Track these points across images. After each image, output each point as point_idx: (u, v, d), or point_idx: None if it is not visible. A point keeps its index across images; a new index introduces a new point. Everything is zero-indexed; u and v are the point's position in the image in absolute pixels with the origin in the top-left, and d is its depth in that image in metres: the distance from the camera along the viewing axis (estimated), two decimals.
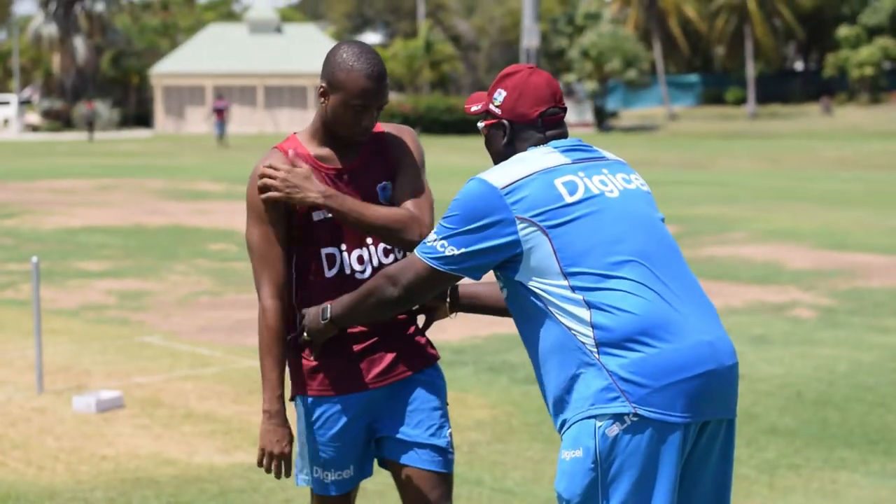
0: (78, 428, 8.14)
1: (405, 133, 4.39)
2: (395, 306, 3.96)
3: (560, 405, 3.76)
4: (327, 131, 4.25)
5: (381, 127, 4.38)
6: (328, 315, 4.11)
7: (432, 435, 4.28)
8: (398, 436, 4.28)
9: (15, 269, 15.78)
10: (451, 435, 4.33)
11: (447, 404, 4.40)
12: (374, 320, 4.17)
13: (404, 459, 4.28)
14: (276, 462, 4.17)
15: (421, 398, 4.31)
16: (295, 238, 4.23)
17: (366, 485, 6.80)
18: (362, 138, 4.22)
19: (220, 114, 54.81)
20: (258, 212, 4.20)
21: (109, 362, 10.20)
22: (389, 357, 4.27)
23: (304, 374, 4.29)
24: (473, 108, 4.05)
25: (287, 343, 4.26)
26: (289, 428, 4.18)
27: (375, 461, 4.41)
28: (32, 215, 22.67)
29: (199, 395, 9.07)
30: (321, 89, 4.20)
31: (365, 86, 4.11)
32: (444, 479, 4.29)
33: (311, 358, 4.25)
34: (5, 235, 19.65)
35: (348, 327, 4.18)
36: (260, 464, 4.20)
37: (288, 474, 4.20)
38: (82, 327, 11.88)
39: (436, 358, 4.39)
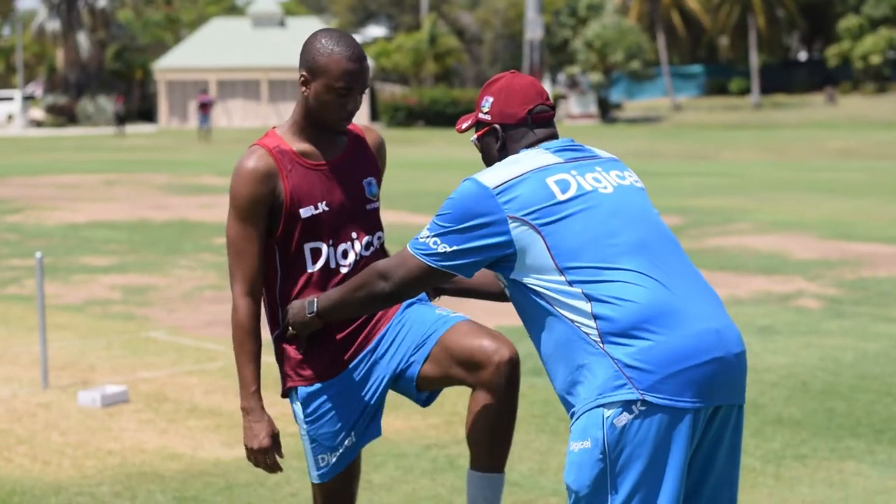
0: (83, 423, 8.14)
1: (380, 139, 4.49)
2: (386, 301, 3.97)
3: (570, 398, 3.76)
4: (310, 124, 4.25)
5: (355, 124, 4.43)
6: (315, 308, 4.12)
7: (427, 332, 4.25)
8: (399, 360, 4.26)
9: (19, 264, 15.78)
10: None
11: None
12: (361, 314, 4.17)
13: (417, 362, 4.25)
14: (260, 457, 4.17)
15: (406, 324, 4.29)
16: (279, 234, 4.22)
17: (371, 477, 6.80)
18: (346, 125, 4.23)
19: (205, 108, 55.89)
20: (238, 208, 4.19)
21: (114, 357, 10.20)
22: (368, 327, 4.29)
23: (293, 368, 4.30)
24: (464, 125, 4.07)
25: (274, 339, 4.30)
26: (266, 421, 4.17)
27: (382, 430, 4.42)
28: (36, 211, 22.67)
29: (204, 389, 9.07)
30: (302, 78, 4.20)
31: (347, 67, 4.12)
32: (468, 323, 4.23)
33: (299, 352, 4.25)
34: (9, 231, 19.65)
35: (334, 321, 4.19)
36: (252, 463, 4.21)
37: (277, 467, 4.20)
38: (87, 322, 11.87)
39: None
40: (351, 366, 4.27)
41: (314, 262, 4.23)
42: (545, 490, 6.73)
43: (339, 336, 4.25)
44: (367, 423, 4.33)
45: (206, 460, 7.33)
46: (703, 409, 3.66)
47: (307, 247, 4.22)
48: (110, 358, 10.16)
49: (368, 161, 4.35)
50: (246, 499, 6.63)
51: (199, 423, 8.15)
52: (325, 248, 4.23)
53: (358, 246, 4.25)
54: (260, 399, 4.18)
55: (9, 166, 35.51)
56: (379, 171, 4.40)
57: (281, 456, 4.21)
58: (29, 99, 75.48)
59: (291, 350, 4.28)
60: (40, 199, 24.84)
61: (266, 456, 4.17)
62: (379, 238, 4.35)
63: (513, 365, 4.11)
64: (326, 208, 4.22)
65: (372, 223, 4.33)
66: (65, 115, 72.08)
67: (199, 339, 10.98)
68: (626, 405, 3.61)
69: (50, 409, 8.50)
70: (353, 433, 4.30)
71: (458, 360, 4.15)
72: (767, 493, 6.74)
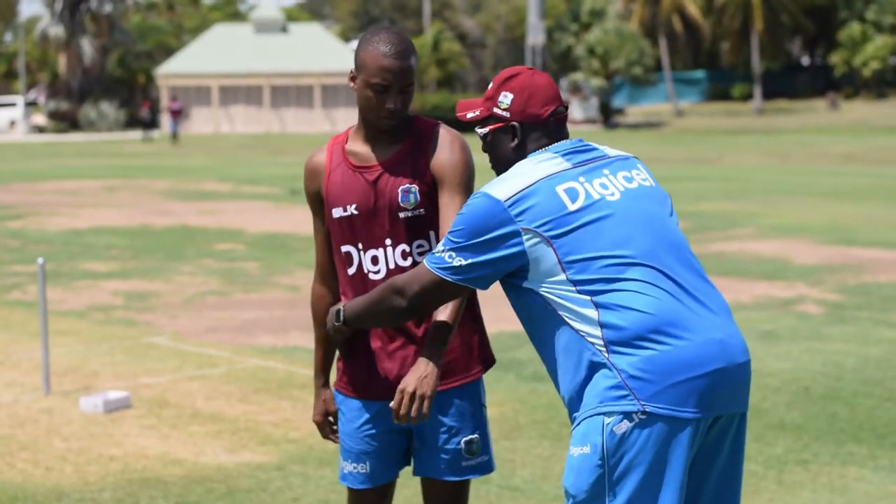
0: (85, 429, 8.14)
1: (457, 142, 4.23)
2: (404, 316, 3.97)
3: (573, 405, 3.78)
4: (364, 122, 4.20)
5: (436, 125, 4.27)
6: (341, 318, 4.16)
7: (444, 443, 4.25)
8: (417, 447, 4.30)
9: (21, 270, 15.78)
10: (471, 442, 4.26)
11: (483, 409, 4.32)
12: (385, 326, 4.19)
13: (417, 471, 4.34)
14: (318, 429, 4.47)
15: (444, 412, 4.25)
16: (327, 231, 4.32)
17: None
18: (390, 122, 4.13)
19: (176, 114, 59.77)
20: (308, 203, 4.37)
21: (116, 363, 10.20)
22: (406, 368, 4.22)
23: (339, 369, 4.40)
24: (469, 115, 3.97)
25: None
26: (322, 400, 4.44)
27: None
28: (38, 217, 22.68)
29: (206, 395, 9.07)
30: (351, 74, 4.18)
31: (383, 64, 4.04)
32: (451, 488, 4.29)
33: (341, 354, 4.36)
34: (12, 237, 19.66)
35: (364, 329, 4.22)
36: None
37: (335, 442, 4.46)
38: (89, 328, 11.87)
39: (474, 370, 4.31)
40: (381, 402, 4.26)
41: (348, 265, 4.25)
42: (547, 496, 6.72)
43: (381, 353, 4.25)
44: (385, 461, 4.33)
45: (208, 466, 7.33)
46: (704, 419, 3.67)
47: (342, 249, 4.25)
48: (112, 364, 10.16)
49: (418, 167, 4.18)
50: None
51: (201, 428, 8.15)
52: (354, 251, 4.23)
53: (390, 252, 4.18)
54: (320, 378, 4.43)
55: (11, 172, 35.54)
56: (428, 180, 4.17)
57: (335, 438, 4.44)
58: (31, 105, 75.49)
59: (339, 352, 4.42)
60: (42, 205, 24.85)
61: (320, 431, 4.48)
62: (420, 247, 4.18)
63: None
64: (356, 212, 4.18)
65: (409, 232, 4.18)
66: (67, 121, 72.08)
67: (201, 344, 10.98)
68: (626, 415, 3.61)
69: (52, 414, 8.50)
70: (369, 458, 4.31)
71: None
72: (769, 498, 6.74)
